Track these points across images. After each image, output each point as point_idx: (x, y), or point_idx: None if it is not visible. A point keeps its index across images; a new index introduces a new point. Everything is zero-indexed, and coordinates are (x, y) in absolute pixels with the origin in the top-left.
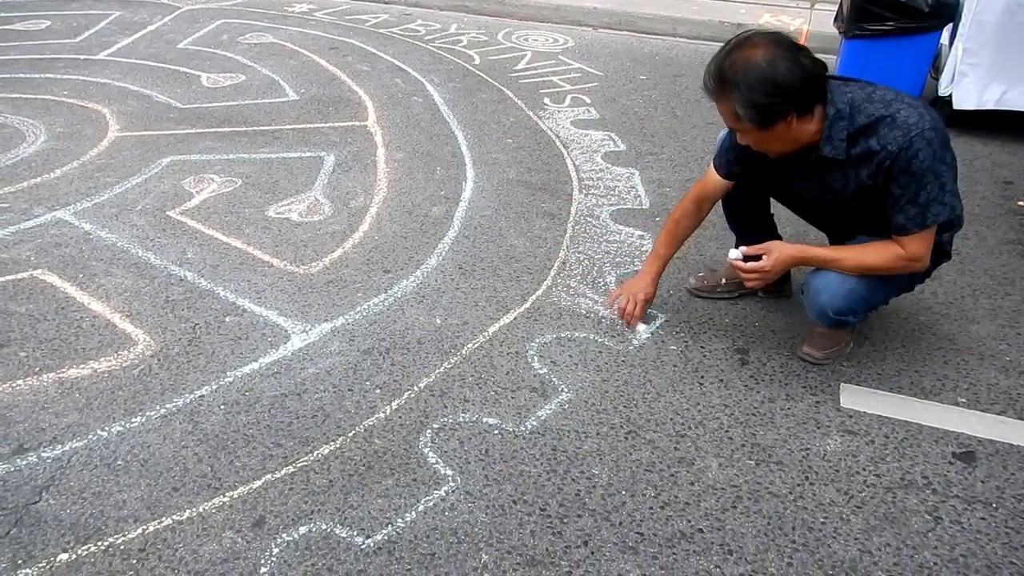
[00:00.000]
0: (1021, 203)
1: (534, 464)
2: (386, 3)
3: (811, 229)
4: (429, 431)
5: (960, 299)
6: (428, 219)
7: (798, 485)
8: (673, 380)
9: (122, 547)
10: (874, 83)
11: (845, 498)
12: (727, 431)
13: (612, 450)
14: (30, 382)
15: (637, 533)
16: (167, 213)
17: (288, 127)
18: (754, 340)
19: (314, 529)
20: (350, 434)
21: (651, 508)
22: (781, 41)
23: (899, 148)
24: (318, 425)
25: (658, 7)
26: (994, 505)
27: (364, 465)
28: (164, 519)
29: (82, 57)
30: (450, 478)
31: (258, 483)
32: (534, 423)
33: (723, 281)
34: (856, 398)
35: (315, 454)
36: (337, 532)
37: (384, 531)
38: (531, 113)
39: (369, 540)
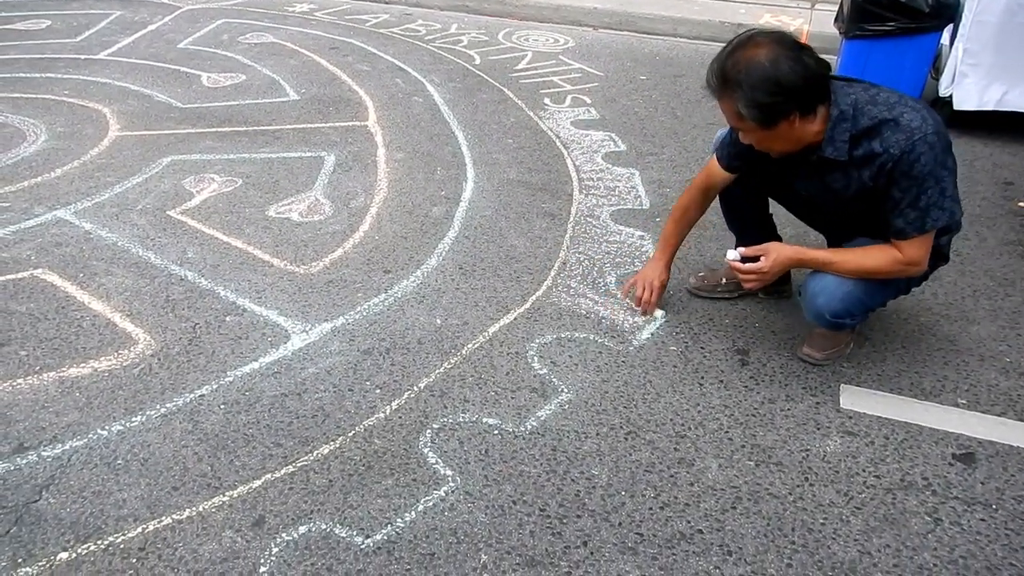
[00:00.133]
0: (1022, 204)
1: (534, 464)
2: (386, 3)
3: (811, 231)
4: (429, 431)
5: (960, 300)
6: (428, 219)
7: (798, 486)
8: (673, 381)
9: (122, 546)
10: (878, 84)
11: (845, 499)
12: (727, 432)
13: (612, 451)
14: (30, 381)
15: (637, 534)
16: (167, 213)
17: (288, 127)
18: (754, 341)
19: (314, 529)
20: (350, 434)
21: (651, 509)
22: (784, 40)
23: (901, 151)
24: (318, 425)
25: (659, 7)
26: (994, 506)
27: (364, 465)
28: (164, 518)
29: (83, 57)
30: (450, 478)
31: (258, 483)
32: (534, 423)
33: (723, 281)
34: (856, 399)
35: (315, 454)
36: (337, 532)
37: (384, 531)
38: (531, 113)
39: (369, 540)
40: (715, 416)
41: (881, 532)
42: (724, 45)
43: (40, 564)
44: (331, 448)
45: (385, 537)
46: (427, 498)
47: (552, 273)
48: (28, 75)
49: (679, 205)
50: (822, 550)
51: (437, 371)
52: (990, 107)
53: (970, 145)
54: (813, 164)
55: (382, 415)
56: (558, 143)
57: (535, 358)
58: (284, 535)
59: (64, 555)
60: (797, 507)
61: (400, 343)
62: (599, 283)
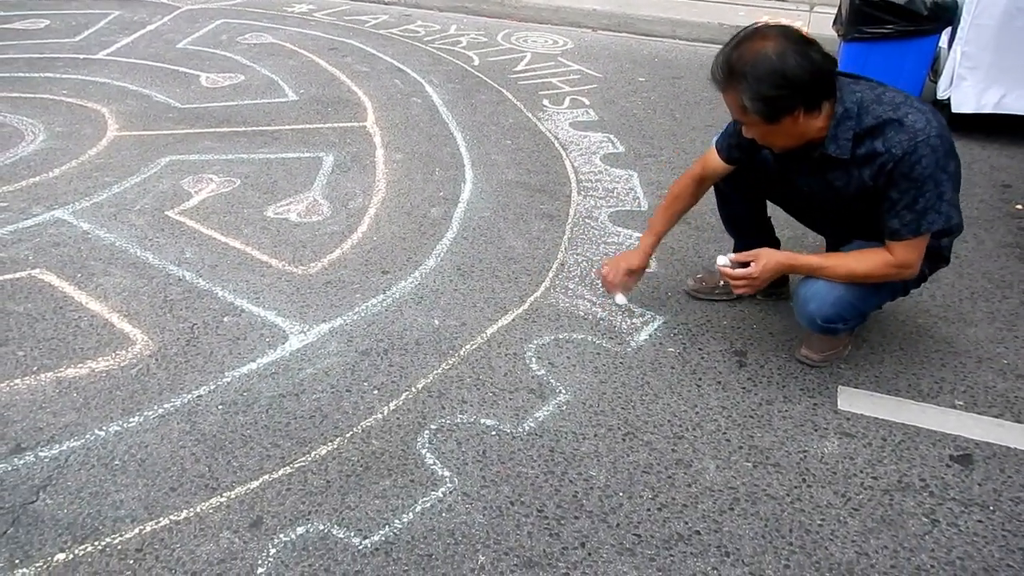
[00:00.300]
0: (1019, 207)
1: (532, 465)
2: (386, 4)
3: (809, 233)
4: (427, 432)
5: (958, 302)
6: (427, 220)
7: (795, 487)
8: (671, 382)
9: (119, 547)
10: (884, 83)
11: (842, 500)
12: (725, 433)
13: (610, 452)
14: (28, 381)
15: (634, 535)
16: (166, 213)
17: (287, 127)
18: (752, 342)
19: (311, 530)
20: (348, 435)
21: (648, 510)
22: (791, 34)
23: (903, 152)
24: (316, 426)
25: (658, 9)
26: (991, 508)
27: (362, 466)
28: (161, 519)
29: (81, 56)
30: (447, 479)
31: (256, 483)
32: (532, 424)
33: (721, 283)
34: (853, 400)
35: (313, 455)
36: (334, 533)
37: (381, 532)
38: (530, 114)
39: (366, 541)
40: (713, 417)
41: (879, 533)
42: (730, 38)
43: (37, 565)
44: (329, 449)
45: (383, 538)
46: (425, 499)
47: (550, 274)
48: (27, 75)
49: (670, 194)
50: (820, 551)
51: (435, 372)
52: (988, 110)
53: (968, 148)
54: (815, 161)
55: (380, 416)
56: (557, 144)
57: (533, 359)
58: (282, 536)
59: (61, 556)
60: (795, 508)
61: (398, 344)
62: (597, 284)
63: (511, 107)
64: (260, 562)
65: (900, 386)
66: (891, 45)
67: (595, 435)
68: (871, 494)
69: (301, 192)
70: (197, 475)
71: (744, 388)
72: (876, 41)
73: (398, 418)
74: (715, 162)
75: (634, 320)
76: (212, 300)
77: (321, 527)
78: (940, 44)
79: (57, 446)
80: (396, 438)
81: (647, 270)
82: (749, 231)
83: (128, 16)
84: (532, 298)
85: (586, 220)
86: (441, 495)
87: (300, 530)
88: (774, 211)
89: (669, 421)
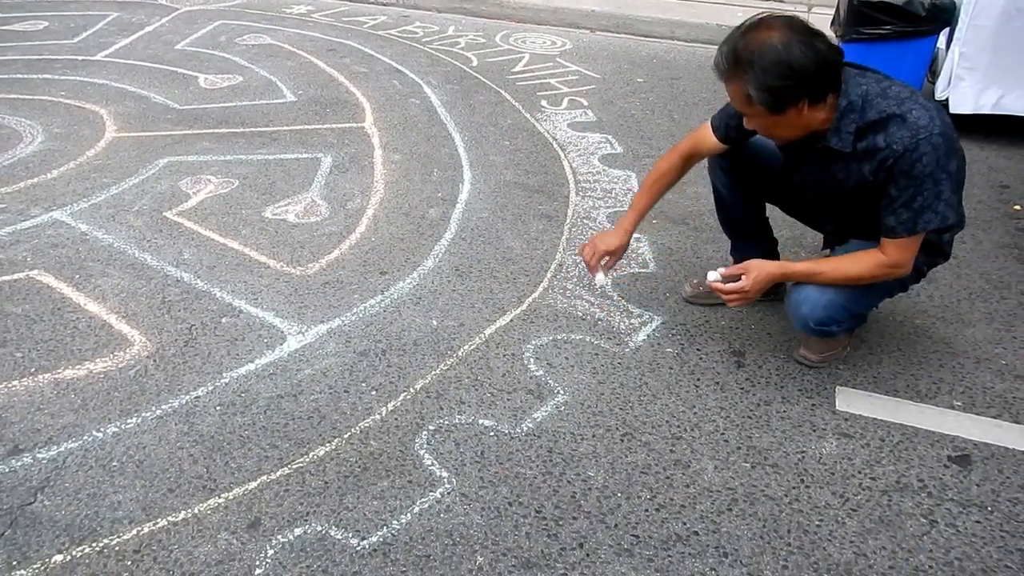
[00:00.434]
0: (1017, 207)
1: (530, 466)
2: (384, 5)
3: (808, 233)
4: (425, 433)
5: (956, 303)
6: (425, 221)
7: (794, 488)
8: (669, 382)
9: (117, 548)
10: (891, 77)
11: (840, 501)
12: (723, 434)
13: (608, 452)
14: (26, 383)
15: (633, 535)
16: (164, 214)
17: (285, 128)
18: (750, 343)
19: (309, 531)
20: (346, 435)
21: (647, 510)
22: (796, 25)
23: (904, 149)
24: (314, 426)
25: (656, 10)
26: (989, 509)
27: (360, 467)
28: (159, 520)
29: (80, 58)
30: (446, 480)
31: (253, 484)
32: (530, 425)
33: (706, 283)
34: (852, 401)
35: (311, 455)
36: (332, 534)
37: (379, 533)
38: (528, 115)
39: (364, 542)
40: (711, 418)
41: (877, 534)
42: (735, 28)
43: (35, 567)
44: (327, 450)
45: (381, 539)
46: (423, 500)
47: (548, 275)
48: (25, 76)
49: (655, 170)
50: (818, 552)
51: (433, 373)
52: (986, 111)
53: (966, 148)
54: (817, 152)
55: (378, 417)
56: (555, 145)
57: (531, 360)
58: (280, 537)
59: (59, 557)
60: (793, 509)
61: (396, 345)
62: (595, 285)
63: (509, 108)
64: (258, 563)
65: (898, 387)
66: (889, 46)
67: (593, 436)
68: (869, 495)
69: (299, 193)
70: (195, 476)
71: (742, 389)
72: (874, 42)
73: (396, 419)
74: (708, 140)
75: (632, 321)
76: (210, 301)
77: (319, 528)
78: (938, 45)
79: (55, 447)
80: (394, 439)
81: (645, 270)
82: (747, 233)
83: (127, 18)
84: (530, 299)
85: (584, 221)
86: (439, 496)
87: (298, 531)
88: (772, 211)
89: (667, 422)
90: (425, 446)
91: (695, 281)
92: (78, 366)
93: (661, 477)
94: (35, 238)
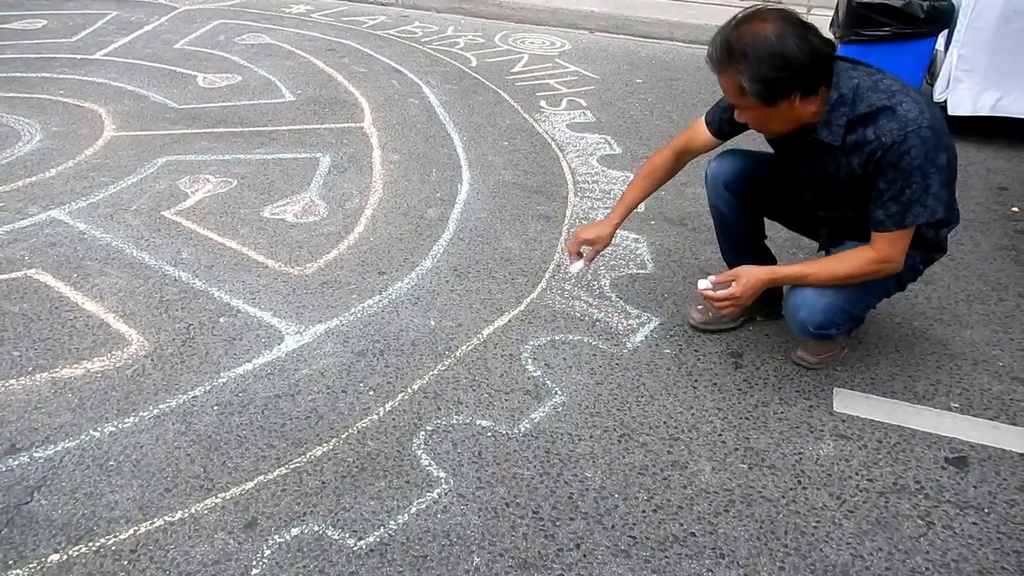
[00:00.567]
0: (1015, 209)
1: (527, 467)
2: (383, 5)
3: (803, 240)
4: (422, 433)
5: (954, 304)
6: (423, 221)
7: (791, 489)
8: (667, 383)
9: (113, 548)
10: (883, 70)
11: (838, 502)
12: (720, 435)
13: (605, 453)
14: (23, 382)
15: (630, 536)
16: (162, 213)
17: (284, 128)
18: (748, 344)
19: (306, 531)
20: (343, 436)
21: (644, 511)
22: (790, 18)
23: (892, 141)
24: (311, 426)
25: (655, 11)
26: (986, 510)
27: (357, 467)
28: (156, 520)
29: (78, 56)
30: (443, 480)
31: (250, 484)
32: (527, 426)
33: (698, 292)
34: (849, 402)
35: (308, 455)
36: (329, 534)
37: (376, 533)
38: (527, 116)
39: (361, 542)
40: (708, 419)
41: (873, 535)
42: (728, 19)
43: (31, 566)
44: (324, 450)
45: (378, 539)
46: (420, 500)
47: (547, 275)
48: (24, 75)
49: (648, 165)
50: (815, 553)
51: (431, 373)
52: (984, 112)
53: (964, 150)
54: (807, 146)
55: (375, 417)
56: (553, 146)
57: (529, 360)
58: (276, 537)
59: (55, 557)
60: (790, 510)
61: (394, 345)
62: (593, 286)
63: (508, 108)
64: (255, 563)
65: (896, 388)
66: (888, 47)
67: (591, 436)
68: (866, 496)
69: (298, 193)
70: (192, 476)
71: (740, 390)
72: (873, 43)
73: (394, 419)
74: (702, 136)
75: (630, 322)
76: (208, 300)
77: (316, 528)
78: (937, 47)
79: (52, 447)
80: (392, 439)
81: (643, 271)
82: (749, 250)
83: (125, 16)
84: (528, 299)
85: (582, 221)
86: (436, 496)
87: (295, 531)
88: (770, 226)
89: (665, 423)
90: (423, 446)
91: (701, 307)
92: (75, 365)
93: (658, 478)
94: (33, 237)
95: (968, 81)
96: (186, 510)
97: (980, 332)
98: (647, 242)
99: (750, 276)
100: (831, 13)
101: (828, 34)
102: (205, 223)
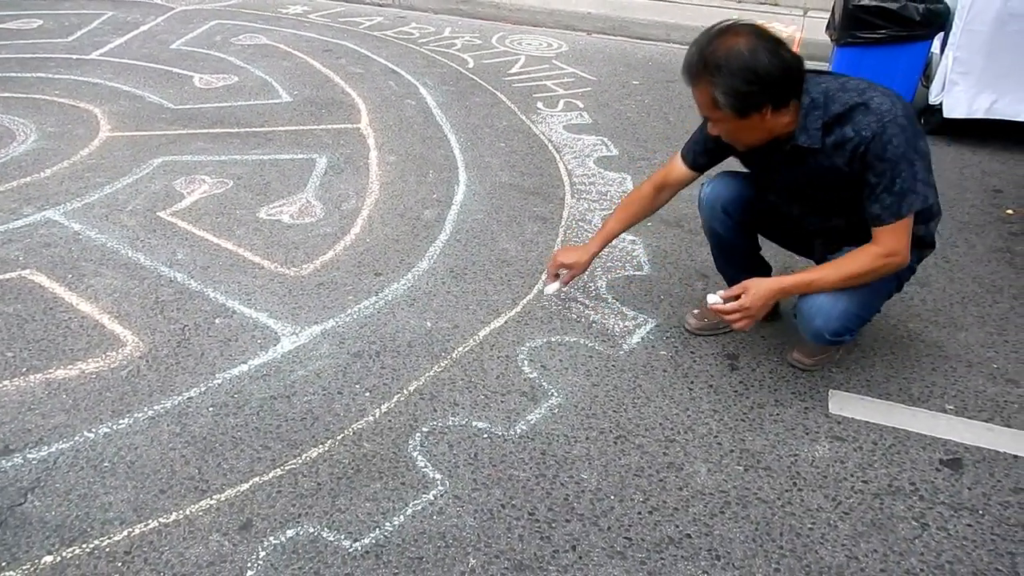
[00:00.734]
0: (1010, 211)
1: (523, 468)
2: (380, 6)
3: (799, 260)
4: (418, 434)
5: (949, 306)
6: (420, 222)
7: (786, 491)
8: (663, 385)
9: (107, 549)
10: (846, 75)
11: (833, 504)
12: (716, 436)
13: (601, 455)
14: (17, 383)
15: (625, 538)
16: (158, 214)
17: (281, 129)
18: (744, 346)
19: (301, 532)
20: (339, 437)
21: (640, 513)
22: (762, 33)
23: (873, 134)
24: (307, 428)
25: (652, 12)
26: (980, 512)
27: (353, 468)
28: (150, 521)
29: (74, 57)
30: (439, 482)
31: (246, 486)
32: (524, 427)
33: (705, 306)
34: (845, 404)
35: (303, 457)
36: (324, 535)
37: (372, 535)
38: (524, 117)
39: (357, 544)
40: (704, 421)
41: (868, 537)
42: (702, 33)
43: (24, 568)
44: (320, 451)
45: (373, 541)
46: (416, 502)
47: (543, 277)
48: (19, 74)
49: (627, 197)
50: (810, 555)
51: (427, 374)
52: (979, 115)
53: (959, 153)
54: (787, 154)
55: (371, 418)
56: (550, 147)
57: (525, 362)
58: (271, 538)
59: (48, 558)
60: (785, 512)
61: (390, 346)
62: (590, 287)
63: (505, 110)
64: (250, 565)
65: (891, 390)
66: (884, 50)
67: (587, 438)
68: (861, 498)
69: (294, 193)
70: (187, 477)
71: (736, 392)
72: (869, 46)
73: (389, 420)
74: (679, 170)
75: (626, 323)
76: (203, 301)
77: (311, 530)
78: (932, 49)
79: (46, 448)
80: (387, 440)
81: (639, 273)
82: (747, 266)
83: (121, 16)
84: (525, 301)
85: (579, 223)
86: (432, 498)
87: (290, 533)
88: (765, 244)
89: (661, 424)
90: (418, 448)
91: (697, 311)
92: (70, 366)
93: (654, 480)
94: (27, 237)
95: (964, 84)
96: (181, 511)
97: (975, 334)
98: (643, 244)
99: (759, 288)
100: (827, 15)
101: (825, 36)
102: (201, 224)
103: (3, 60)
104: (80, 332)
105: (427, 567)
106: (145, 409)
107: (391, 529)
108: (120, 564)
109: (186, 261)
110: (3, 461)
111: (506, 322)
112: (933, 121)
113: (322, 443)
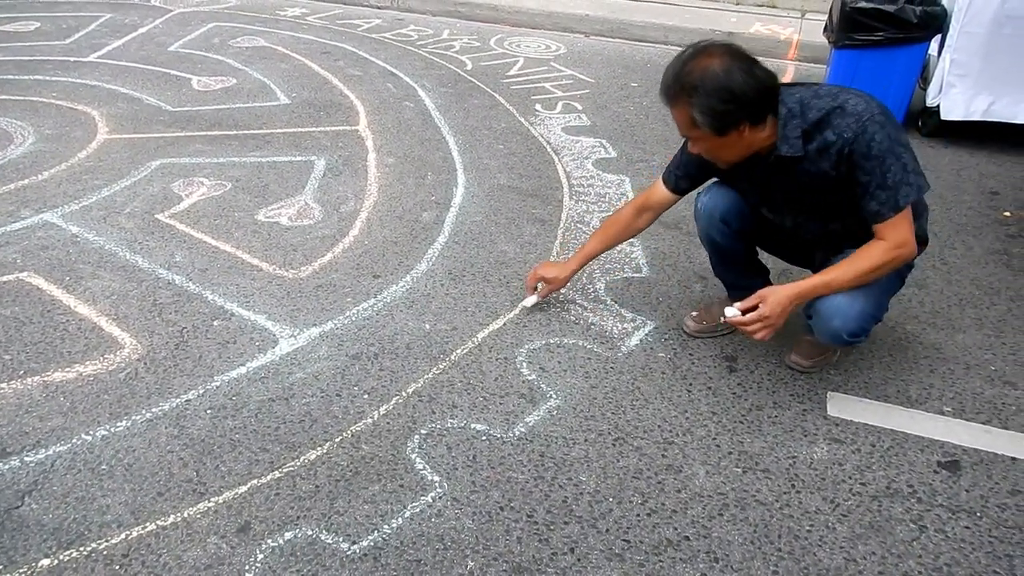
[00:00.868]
0: (1007, 213)
1: (522, 471)
2: (379, 8)
3: (794, 269)
4: (417, 437)
5: (946, 308)
6: (418, 224)
7: (784, 493)
8: (661, 387)
9: (105, 552)
10: (818, 83)
11: (831, 506)
12: (715, 438)
13: (600, 457)
14: (14, 385)
15: (624, 540)
16: (156, 216)
17: (279, 131)
18: (742, 348)
19: (299, 535)
20: (337, 439)
21: (638, 515)
22: (736, 52)
23: (854, 134)
24: (305, 430)
25: (650, 15)
26: (978, 514)
27: (351, 471)
28: (148, 524)
29: (72, 59)
30: (437, 484)
31: (244, 488)
32: (522, 429)
33: (722, 320)
34: (843, 406)
35: (302, 459)
36: (323, 538)
37: (370, 537)
38: (522, 119)
39: (355, 546)
40: (703, 423)
41: (867, 539)
42: (677, 55)
43: (21, 571)
44: (318, 454)
45: (371, 543)
46: (414, 504)
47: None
48: (16, 77)
49: (609, 219)
50: (808, 557)
51: (426, 377)
52: (977, 117)
53: (957, 155)
54: (772, 166)
55: (370, 420)
56: (549, 149)
57: (524, 364)
58: (270, 541)
59: (46, 561)
60: (784, 514)
61: (389, 348)
62: (588, 289)
63: (504, 112)
64: (247, 568)
65: (889, 392)
66: (881, 52)
67: (585, 440)
68: (859, 500)
69: (292, 196)
70: (185, 480)
71: (734, 394)
72: (866, 48)
73: (388, 423)
74: (660, 193)
75: (625, 325)
76: (202, 304)
77: (309, 532)
78: (930, 52)
79: (43, 450)
80: (386, 443)
81: (638, 275)
82: (747, 272)
83: (119, 19)
84: (523, 303)
85: (578, 225)
86: (430, 500)
87: (288, 535)
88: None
89: (659, 426)
90: (417, 450)
91: (694, 314)
92: (67, 369)
93: (653, 482)
94: (25, 240)
95: (961, 86)
96: (179, 514)
97: (972, 336)
98: (642, 246)
99: (776, 295)
100: (825, 18)
101: (822, 38)
102: (199, 226)
103: (1, 63)
104: (78, 334)
105: (425, 569)
106: (143, 411)
107: (389, 531)
108: (118, 567)
109: (184, 263)
110: (0, 464)
111: (505, 324)
112: (930, 123)
113: (320, 445)
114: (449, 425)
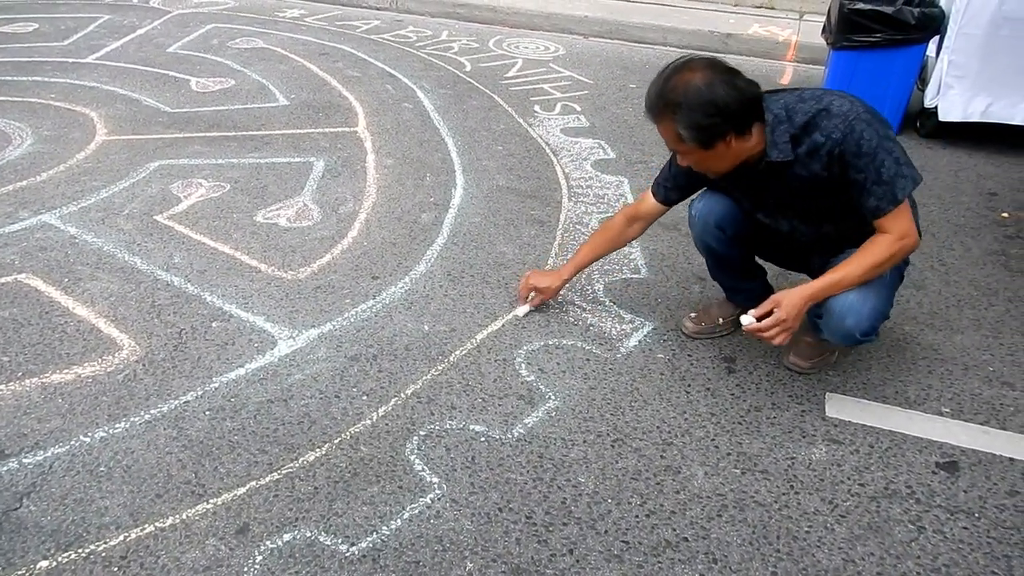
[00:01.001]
0: (1005, 215)
1: (520, 472)
2: (377, 9)
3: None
4: (416, 438)
5: (945, 309)
6: (417, 225)
7: (783, 494)
8: (660, 388)
9: (103, 554)
10: (801, 88)
11: (830, 507)
12: (713, 440)
13: (598, 458)
14: (12, 387)
15: (623, 541)
16: (154, 217)
17: (278, 132)
18: (741, 349)
19: (298, 536)
20: (336, 441)
21: (637, 516)
22: (717, 66)
23: (843, 134)
24: (304, 432)
25: (649, 16)
26: (976, 515)
27: (350, 472)
28: (147, 526)
29: (70, 60)
30: (436, 485)
31: (242, 490)
32: (521, 431)
33: (720, 321)
34: (841, 407)
35: (300, 461)
36: (321, 540)
37: (369, 539)
38: (521, 120)
39: (354, 548)
40: (702, 424)
41: (865, 540)
42: (660, 72)
43: (19, 573)
44: (317, 455)
45: (370, 545)
46: (413, 505)
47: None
48: (15, 78)
49: (600, 227)
50: (807, 558)
51: (424, 378)
52: (975, 118)
53: (955, 156)
54: (763, 173)
55: (369, 422)
56: (547, 150)
57: (523, 365)
58: (268, 543)
59: (44, 564)
60: (782, 515)
61: (387, 349)
62: (587, 290)
63: (502, 113)
64: (246, 569)
65: (887, 393)
66: (879, 53)
67: (584, 441)
68: (858, 501)
69: (291, 197)
70: (183, 481)
71: (733, 395)
72: (865, 49)
73: (387, 424)
74: (649, 204)
75: (624, 326)
76: (200, 305)
77: (308, 534)
78: (928, 53)
79: (41, 452)
80: (385, 444)
81: (636, 276)
82: (745, 274)
83: (118, 20)
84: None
85: (576, 226)
86: (429, 502)
87: (287, 537)
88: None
89: (658, 427)
90: (416, 451)
91: (693, 315)
92: (66, 370)
93: (651, 483)
94: (23, 241)
95: (959, 87)
96: (177, 516)
97: (971, 337)
98: (640, 247)
99: (790, 298)
100: (823, 19)
101: (820, 39)
102: (198, 227)
103: None
104: (76, 336)
105: (424, 571)
106: (142, 413)
107: (388, 533)
108: (116, 569)
109: (183, 265)
110: None
111: (503, 325)
112: (928, 124)
113: (319, 447)
114: (448, 426)
